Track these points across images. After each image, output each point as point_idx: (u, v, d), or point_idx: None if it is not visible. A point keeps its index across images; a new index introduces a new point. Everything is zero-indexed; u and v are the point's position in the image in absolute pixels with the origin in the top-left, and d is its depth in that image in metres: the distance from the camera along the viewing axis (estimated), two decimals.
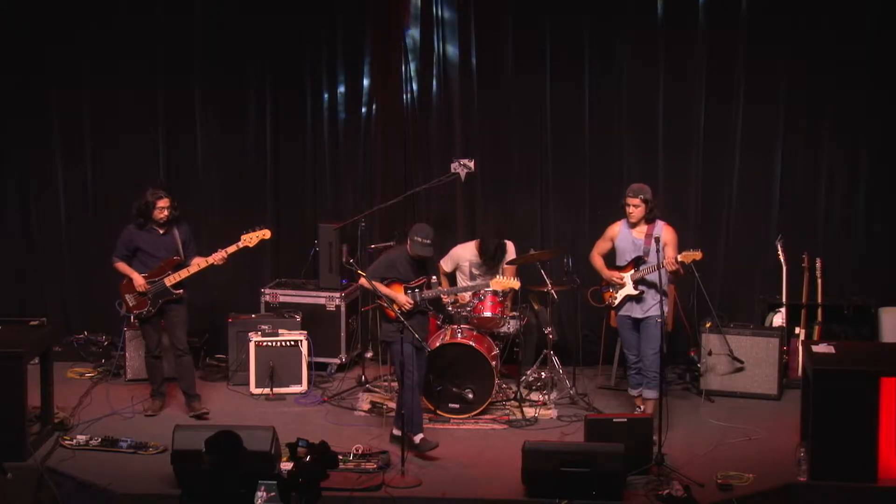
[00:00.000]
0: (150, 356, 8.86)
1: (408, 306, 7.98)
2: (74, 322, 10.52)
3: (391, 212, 10.09)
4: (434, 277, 8.10)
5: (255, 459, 6.71)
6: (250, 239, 8.66)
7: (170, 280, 8.55)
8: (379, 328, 8.12)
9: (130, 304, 8.64)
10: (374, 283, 8.04)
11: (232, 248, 8.63)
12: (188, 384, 8.78)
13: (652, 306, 8.28)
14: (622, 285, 8.46)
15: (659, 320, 8.06)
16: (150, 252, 8.59)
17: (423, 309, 8.05)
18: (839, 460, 7.24)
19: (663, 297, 8.12)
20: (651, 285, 8.31)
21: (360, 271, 8.08)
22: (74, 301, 10.60)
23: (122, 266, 8.66)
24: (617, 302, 8.53)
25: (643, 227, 8.36)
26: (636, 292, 8.41)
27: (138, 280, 8.55)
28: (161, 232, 8.59)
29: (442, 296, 8.06)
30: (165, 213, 8.52)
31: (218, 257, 8.60)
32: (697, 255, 8.22)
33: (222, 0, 10.35)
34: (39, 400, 8.26)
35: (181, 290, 8.62)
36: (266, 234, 8.71)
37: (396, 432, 8.09)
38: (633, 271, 8.41)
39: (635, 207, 8.32)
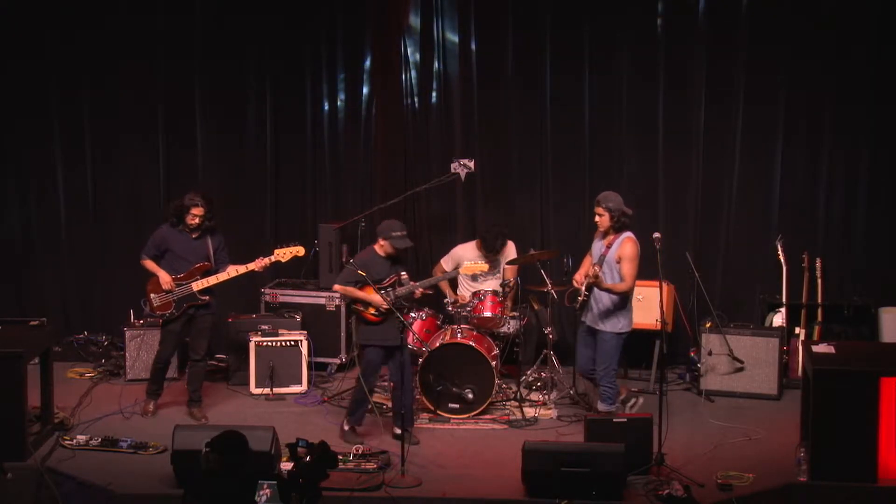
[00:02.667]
0: (158, 363, 8.82)
1: (385, 306, 8.01)
2: (74, 322, 10.52)
3: (391, 212, 10.07)
4: (405, 274, 8.13)
5: (255, 459, 6.71)
6: (283, 254, 8.62)
7: (198, 285, 8.50)
8: (354, 332, 8.17)
9: (155, 304, 8.56)
10: (347, 288, 8.13)
11: (266, 261, 8.59)
12: (194, 388, 8.78)
13: (608, 320, 8.07)
14: (578, 289, 8.31)
15: (615, 334, 8.02)
16: (180, 255, 8.53)
17: (398, 307, 8.06)
18: (839, 460, 7.23)
19: (619, 312, 8.00)
20: (601, 298, 8.07)
21: (360, 271, 8.08)
22: (74, 301, 10.60)
23: (150, 264, 8.59)
24: (577, 306, 8.40)
25: (611, 237, 8.14)
26: (580, 297, 8.18)
27: (165, 277, 8.48)
28: (194, 236, 8.56)
29: (416, 291, 8.09)
30: (197, 220, 8.48)
31: (258, 265, 8.55)
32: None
33: (222, 0, 10.36)
34: (39, 400, 8.26)
35: (207, 297, 8.58)
36: (300, 251, 8.67)
37: (397, 430, 8.14)
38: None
39: (599, 217, 8.11)
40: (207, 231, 8.59)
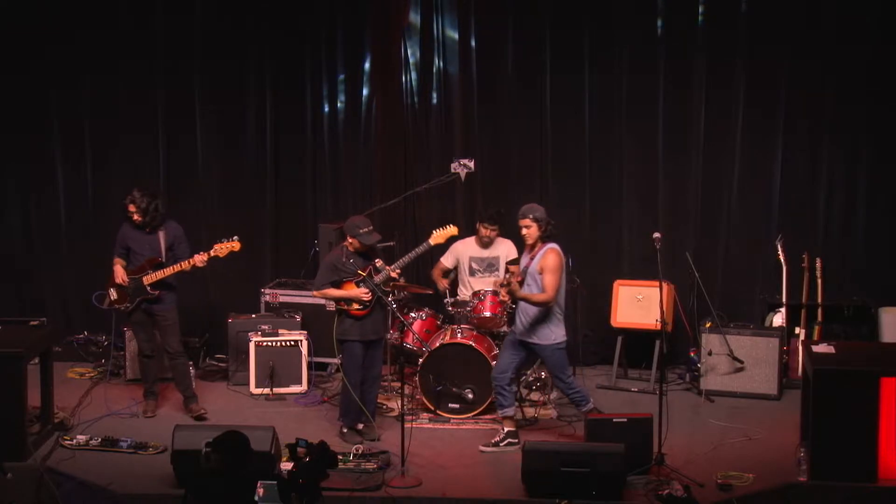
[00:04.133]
0: (141, 356, 8.88)
1: (366, 297, 8.07)
2: (74, 322, 10.52)
3: (391, 212, 10.09)
4: (379, 261, 8.20)
5: (256, 459, 6.70)
6: (220, 249, 8.59)
7: (147, 279, 8.55)
8: (335, 328, 8.21)
9: (112, 298, 8.70)
10: (325, 290, 8.18)
11: (204, 256, 8.57)
12: (184, 386, 8.80)
13: (536, 333, 7.93)
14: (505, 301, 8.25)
15: (555, 347, 7.94)
16: (137, 250, 8.64)
17: (380, 297, 8.10)
18: (839, 460, 7.23)
19: (547, 323, 7.89)
20: (527, 310, 7.93)
21: (360, 271, 8.09)
22: (74, 301, 10.60)
23: (116, 261, 8.72)
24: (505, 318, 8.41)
25: (536, 249, 7.97)
26: (505, 310, 8.24)
27: (118, 273, 8.61)
28: (147, 231, 8.62)
29: (391, 273, 8.12)
30: (135, 217, 8.57)
31: (198, 260, 8.55)
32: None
33: (222, 0, 10.36)
34: (39, 400, 8.27)
35: (157, 292, 8.61)
36: (236, 246, 8.63)
37: (358, 426, 8.25)
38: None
39: (527, 229, 7.93)
40: (159, 225, 8.62)
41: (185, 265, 8.58)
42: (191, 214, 9.84)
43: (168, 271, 8.58)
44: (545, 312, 7.91)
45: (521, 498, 7.25)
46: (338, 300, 8.18)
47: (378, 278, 8.11)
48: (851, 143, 9.96)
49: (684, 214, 10.15)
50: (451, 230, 8.51)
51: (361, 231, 8.11)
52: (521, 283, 7.95)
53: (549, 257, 7.86)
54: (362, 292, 8.08)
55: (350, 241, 8.18)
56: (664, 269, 8.01)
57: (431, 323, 9.30)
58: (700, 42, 9.95)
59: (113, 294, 8.69)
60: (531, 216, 7.93)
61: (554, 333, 7.96)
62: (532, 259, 7.96)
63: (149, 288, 8.57)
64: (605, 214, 10.27)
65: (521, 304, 7.97)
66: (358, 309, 8.13)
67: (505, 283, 8.00)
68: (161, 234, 8.64)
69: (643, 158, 10.17)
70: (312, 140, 10.53)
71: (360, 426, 8.27)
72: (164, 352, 8.82)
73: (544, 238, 7.94)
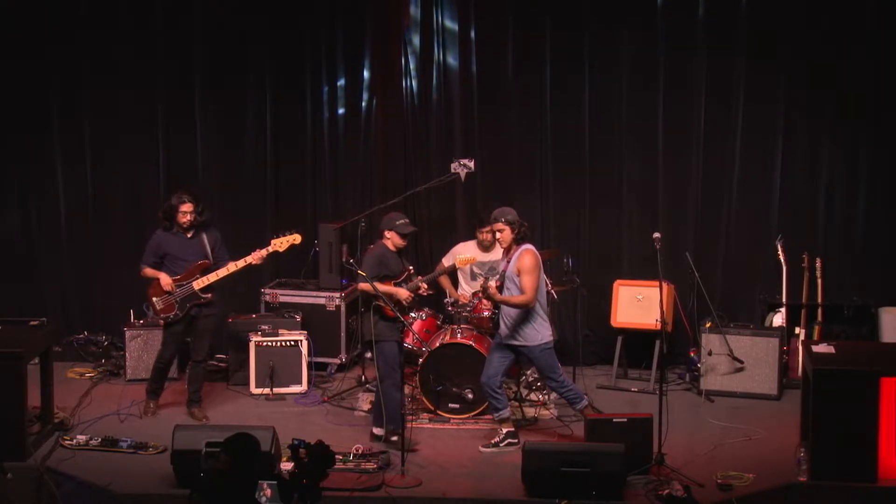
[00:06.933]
0: (160, 363, 8.81)
1: (409, 298, 8.05)
2: (74, 322, 10.52)
3: (391, 212, 10.07)
4: (411, 268, 8.25)
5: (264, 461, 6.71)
6: (280, 244, 8.61)
7: (198, 283, 8.50)
8: (372, 327, 8.01)
9: (158, 308, 8.54)
10: (375, 283, 8.01)
11: (263, 252, 8.58)
12: (195, 388, 8.78)
13: (521, 334, 7.94)
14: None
15: (542, 347, 7.96)
16: (179, 256, 8.53)
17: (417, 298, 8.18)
18: (839, 460, 7.23)
19: (530, 324, 7.89)
20: (508, 314, 7.95)
21: (360, 271, 8.07)
22: (74, 301, 10.60)
23: (150, 271, 8.56)
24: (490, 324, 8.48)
25: (512, 252, 7.98)
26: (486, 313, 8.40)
27: (165, 279, 8.46)
28: (188, 236, 8.55)
29: (421, 284, 8.13)
30: (188, 217, 8.48)
31: (255, 257, 8.54)
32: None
33: (222, 0, 10.36)
34: (39, 400, 8.26)
35: (209, 295, 8.58)
36: (297, 238, 8.65)
37: (377, 431, 8.17)
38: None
39: (500, 233, 7.94)
40: (201, 229, 8.59)
41: (239, 264, 8.54)
42: None
43: (222, 273, 8.53)
44: (527, 314, 7.92)
45: (521, 498, 7.25)
46: (380, 296, 7.98)
47: (410, 285, 8.12)
48: (851, 143, 9.95)
49: (684, 214, 10.15)
50: (475, 258, 8.76)
51: (398, 223, 8.10)
52: (500, 288, 7.96)
53: (524, 258, 7.87)
54: (408, 294, 8.04)
55: (388, 236, 8.12)
56: (664, 269, 8.01)
57: (431, 323, 9.30)
58: (700, 42, 9.94)
59: (158, 304, 8.53)
60: (503, 219, 7.93)
61: (540, 334, 7.96)
62: (508, 262, 7.97)
63: (200, 292, 8.53)
64: (605, 214, 10.27)
65: (503, 307, 7.98)
66: (393, 310, 8.01)
67: (481, 289, 8.01)
68: (204, 238, 8.59)
69: (643, 158, 10.17)
70: (312, 140, 10.53)
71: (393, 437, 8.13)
72: (192, 353, 8.75)
73: (518, 240, 7.95)
